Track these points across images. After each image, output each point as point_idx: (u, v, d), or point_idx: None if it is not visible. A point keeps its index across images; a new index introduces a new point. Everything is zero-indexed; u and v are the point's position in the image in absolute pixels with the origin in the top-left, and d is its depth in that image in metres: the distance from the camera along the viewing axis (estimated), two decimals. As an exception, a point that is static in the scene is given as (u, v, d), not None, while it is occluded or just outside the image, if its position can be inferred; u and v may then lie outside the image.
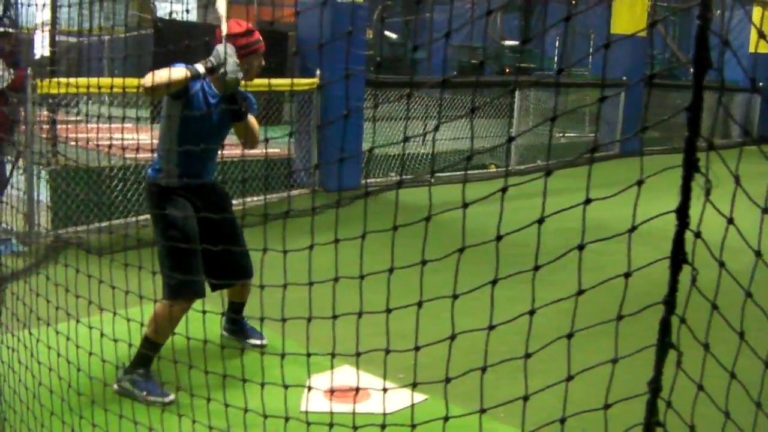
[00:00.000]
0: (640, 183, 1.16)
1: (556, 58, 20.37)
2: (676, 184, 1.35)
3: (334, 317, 1.87)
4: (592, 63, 17.09)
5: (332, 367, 2.73)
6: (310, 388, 2.14)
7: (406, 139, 1.70)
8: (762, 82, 15.03)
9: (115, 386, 3.67)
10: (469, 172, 10.08)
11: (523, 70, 17.27)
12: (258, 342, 4.36)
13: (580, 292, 1.31)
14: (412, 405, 1.92)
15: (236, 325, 4.45)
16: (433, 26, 19.38)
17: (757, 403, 1.25)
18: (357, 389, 1.87)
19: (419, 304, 1.58)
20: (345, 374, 3.82)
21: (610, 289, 1.41)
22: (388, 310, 1.59)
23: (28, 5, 4.54)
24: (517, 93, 11.24)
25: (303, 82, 8.72)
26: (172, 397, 3.59)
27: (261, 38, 3.83)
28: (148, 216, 7.13)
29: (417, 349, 1.53)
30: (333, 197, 8.16)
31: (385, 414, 1.77)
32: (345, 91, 8.24)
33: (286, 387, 2.05)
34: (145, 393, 3.61)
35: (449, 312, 1.60)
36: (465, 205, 1.38)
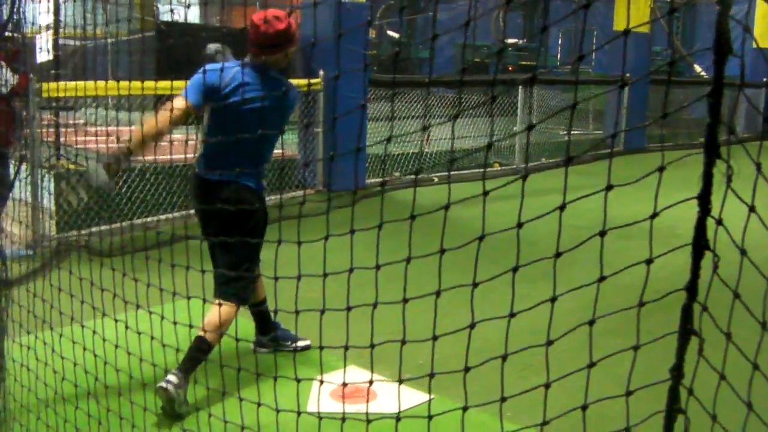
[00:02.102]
0: (661, 169, 1.14)
1: (559, 56, 20.37)
2: (689, 180, 1.33)
3: (348, 309, 1.84)
4: (595, 60, 17.08)
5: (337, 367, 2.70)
6: (322, 382, 2.12)
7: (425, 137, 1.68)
8: (766, 77, 14.99)
9: (168, 386, 3.37)
10: (473, 170, 10.07)
11: (526, 68, 17.26)
12: (305, 343, 4.22)
13: (602, 279, 1.29)
14: (430, 401, 1.89)
15: (274, 333, 4.27)
16: (436, 25, 19.39)
17: (780, 394, 1.23)
18: (371, 382, 1.85)
19: (437, 293, 1.55)
20: (352, 375, 3.80)
21: (625, 289, 1.39)
22: (405, 300, 1.56)
23: (32, 9, 4.54)
24: (520, 91, 11.22)
25: (306, 82, 8.70)
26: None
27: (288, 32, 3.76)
28: (152, 218, 7.19)
29: (435, 338, 1.50)
30: (338, 197, 8.14)
31: (399, 412, 1.75)
32: (350, 91, 8.22)
33: (298, 380, 2.03)
34: (183, 398, 3.43)
35: (458, 312, 1.58)
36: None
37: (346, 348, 1.75)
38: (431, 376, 1.56)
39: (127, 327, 2.75)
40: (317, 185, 9.07)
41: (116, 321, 2.77)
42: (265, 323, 4.27)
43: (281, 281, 2.01)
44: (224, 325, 3.54)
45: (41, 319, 3.17)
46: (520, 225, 1.35)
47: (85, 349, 2.91)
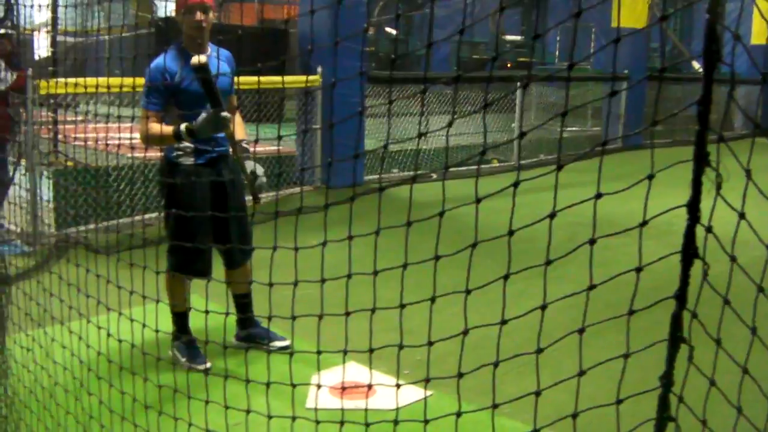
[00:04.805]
0: (650, 177, 1.15)
1: (557, 53, 20.35)
2: (682, 177, 1.35)
3: (347, 314, 1.86)
4: (594, 57, 17.02)
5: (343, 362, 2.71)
6: (318, 386, 2.13)
7: (421, 135, 1.69)
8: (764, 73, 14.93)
9: (170, 351, 4.02)
10: (471, 167, 10.06)
11: (525, 64, 17.24)
12: (283, 344, 4.09)
13: (591, 287, 1.30)
14: (425, 399, 1.90)
15: (253, 329, 4.24)
16: (434, 22, 19.36)
17: (770, 398, 1.25)
18: (369, 386, 1.86)
19: (432, 300, 1.56)
20: (351, 370, 3.82)
21: (617, 284, 1.40)
22: (402, 306, 1.57)
23: (29, 6, 4.54)
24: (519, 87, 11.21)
25: (304, 80, 8.69)
26: (208, 365, 3.85)
27: None
28: (153, 215, 7.19)
29: (430, 344, 1.52)
30: (336, 194, 8.14)
31: (397, 409, 1.76)
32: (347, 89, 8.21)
33: (294, 385, 2.04)
34: (185, 359, 3.94)
35: (457, 308, 1.59)
36: (478, 200, 1.38)
37: (345, 352, 1.77)
38: (426, 381, 1.57)
39: (133, 320, 2.75)
40: (315, 182, 9.07)
41: (120, 314, 2.77)
42: (242, 318, 4.22)
43: (276, 278, 2.03)
44: (168, 291, 3.91)
45: (43, 314, 3.18)
46: (511, 233, 1.36)
47: (88, 346, 2.93)
